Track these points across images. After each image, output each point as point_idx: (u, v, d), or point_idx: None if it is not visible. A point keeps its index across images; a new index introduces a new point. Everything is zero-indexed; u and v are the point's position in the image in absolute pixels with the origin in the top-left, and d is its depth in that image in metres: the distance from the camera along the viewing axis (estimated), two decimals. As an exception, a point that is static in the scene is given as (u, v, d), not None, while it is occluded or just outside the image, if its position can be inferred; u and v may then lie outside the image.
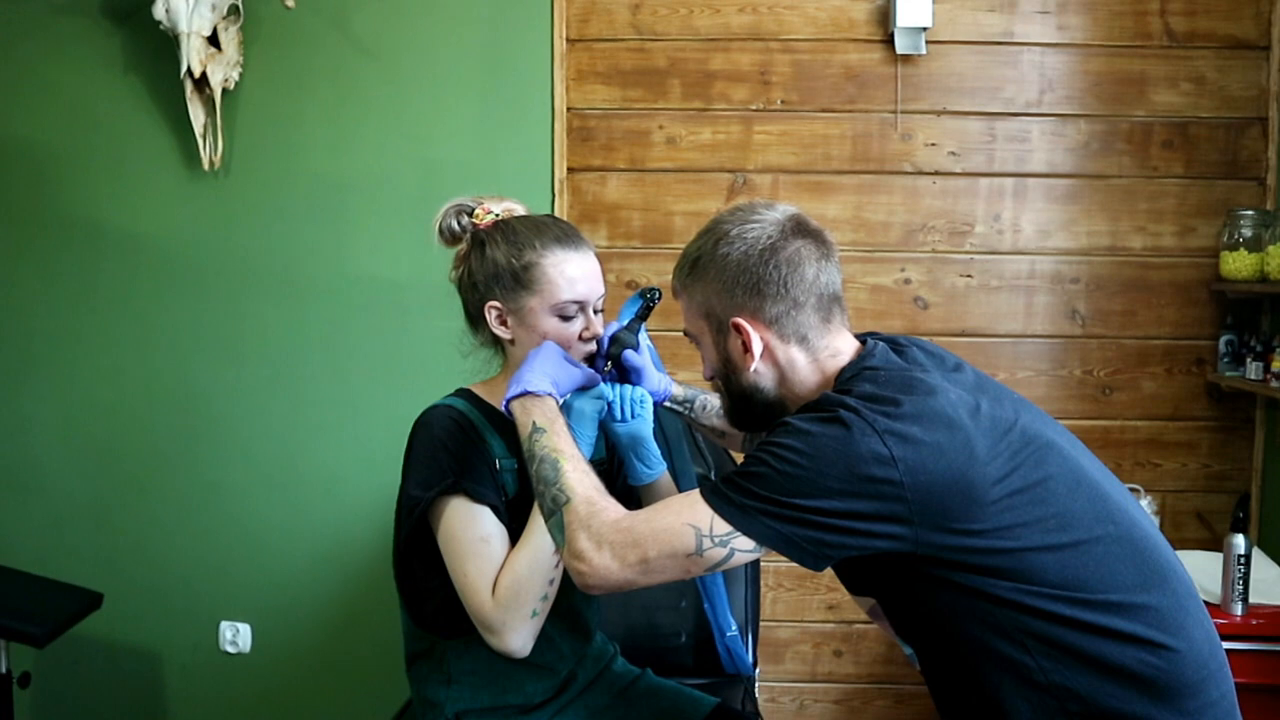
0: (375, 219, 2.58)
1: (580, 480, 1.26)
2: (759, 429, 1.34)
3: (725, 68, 2.54)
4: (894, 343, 1.31)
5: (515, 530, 1.46)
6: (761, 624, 2.17)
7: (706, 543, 1.16)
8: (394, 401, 2.55)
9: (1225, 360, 2.48)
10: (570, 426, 1.38)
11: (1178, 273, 2.53)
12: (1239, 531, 2.12)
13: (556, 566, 1.41)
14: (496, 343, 1.55)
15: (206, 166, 2.51)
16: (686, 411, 1.63)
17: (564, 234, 1.51)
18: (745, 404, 1.32)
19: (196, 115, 2.47)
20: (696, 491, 1.20)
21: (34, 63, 2.58)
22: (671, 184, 2.56)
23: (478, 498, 1.44)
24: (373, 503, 2.58)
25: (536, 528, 1.41)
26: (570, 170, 2.56)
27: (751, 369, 1.28)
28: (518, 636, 1.41)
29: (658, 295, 1.53)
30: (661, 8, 2.53)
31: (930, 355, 1.30)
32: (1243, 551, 2.12)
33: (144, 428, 2.64)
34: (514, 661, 1.49)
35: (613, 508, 1.23)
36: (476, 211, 1.54)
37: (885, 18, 2.49)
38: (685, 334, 1.36)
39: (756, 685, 2.10)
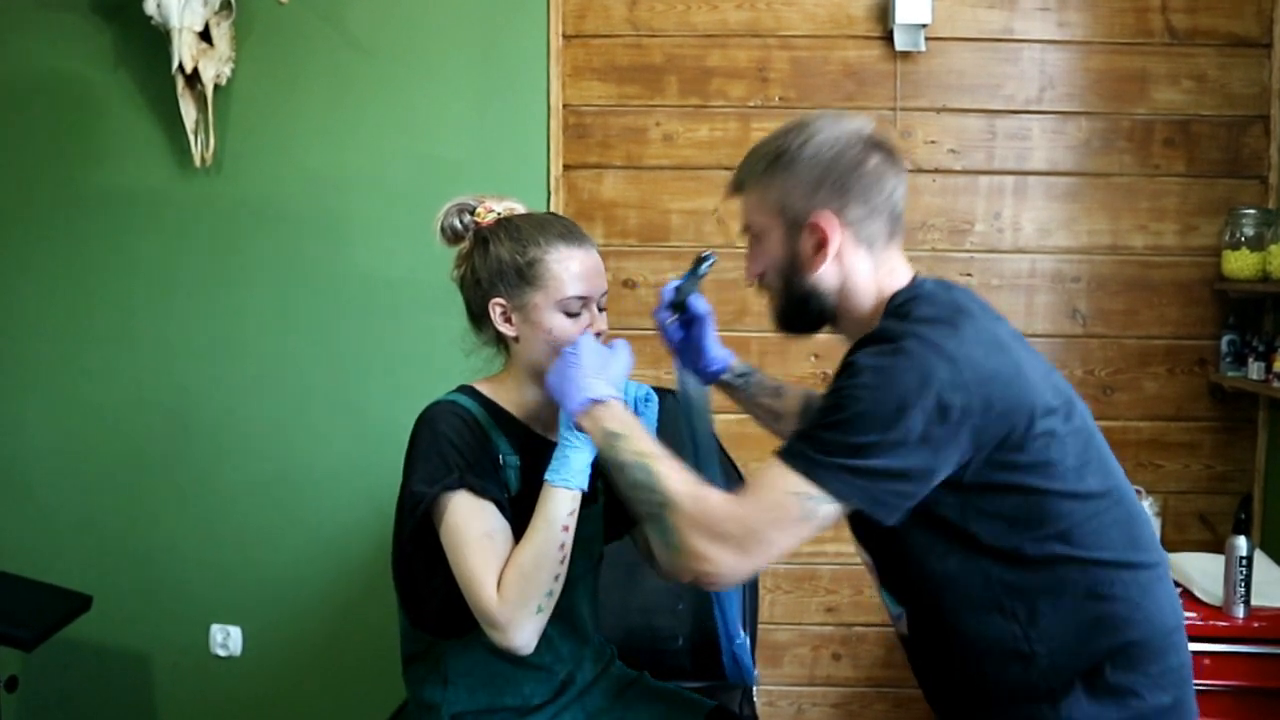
0: (369, 217, 2.55)
1: (677, 480, 1.24)
2: (802, 333, 1.36)
3: (723, 64, 2.52)
4: (942, 281, 1.33)
5: (518, 528, 1.45)
6: (760, 627, 2.15)
7: (811, 505, 1.17)
8: (388, 401, 2.53)
9: (1227, 360, 2.46)
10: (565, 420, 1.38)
11: (1179, 272, 2.51)
12: (1241, 533, 2.12)
13: (562, 562, 1.40)
14: (500, 340, 1.55)
15: (198, 163, 2.49)
16: (744, 386, 1.62)
17: (568, 231, 1.52)
18: (801, 306, 1.32)
19: (188, 112, 2.44)
20: (779, 461, 1.19)
21: (23, 58, 2.56)
22: (668, 181, 2.54)
23: (482, 493, 1.42)
24: (366, 504, 2.56)
25: (542, 523, 1.40)
26: (566, 167, 2.54)
27: (820, 269, 1.29)
28: (522, 633, 1.39)
29: (714, 259, 1.57)
30: (658, 3, 2.51)
31: (975, 300, 1.32)
32: (1244, 553, 2.11)
33: (134, 428, 2.62)
34: (512, 663, 1.49)
35: (714, 498, 1.21)
36: (478, 210, 1.55)
37: (884, 14, 2.47)
38: (744, 230, 1.36)
39: (755, 689, 2.08)
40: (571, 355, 1.40)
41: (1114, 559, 1.22)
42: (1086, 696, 1.21)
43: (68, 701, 2.67)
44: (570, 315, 1.48)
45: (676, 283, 1.57)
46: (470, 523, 1.41)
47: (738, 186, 1.36)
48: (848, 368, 1.19)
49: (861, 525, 1.28)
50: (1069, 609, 1.21)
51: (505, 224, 1.52)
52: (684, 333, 1.59)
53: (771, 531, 1.18)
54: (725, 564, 1.18)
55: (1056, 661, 1.22)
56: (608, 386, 1.36)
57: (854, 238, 1.28)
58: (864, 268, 1.30)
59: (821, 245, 1.28)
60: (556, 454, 1.42)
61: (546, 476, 1.41)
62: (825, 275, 1.29)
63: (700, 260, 1.58)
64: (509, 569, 1.39)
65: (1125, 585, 1.22)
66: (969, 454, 1.17)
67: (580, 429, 1.37)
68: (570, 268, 1.48)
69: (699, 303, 1.57)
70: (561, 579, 1.41)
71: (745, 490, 1.21)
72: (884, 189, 1.29)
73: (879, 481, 1.15)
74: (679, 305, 1.56)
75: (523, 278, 1.48)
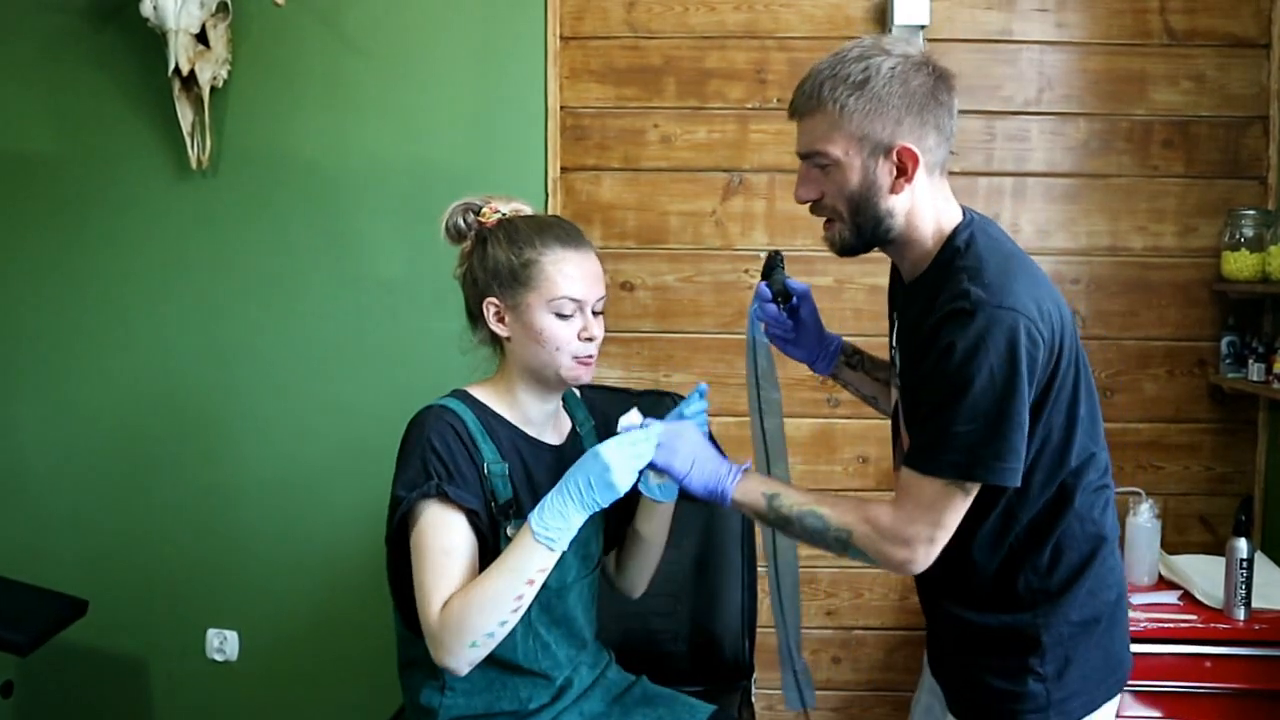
0: (366, 219, 2.55)
1: (842, 512, 1.36)
2: (857, 254, 1.41)
3: (721, 66, 2.51)
4: (983, 217, 1.41)
5: (500, 537, 1.45)
6: (759, 630, 2.14)
7: (968, 486, 1.29)
8: (385, 404, 2.51)
9: (1227, 361, 2.45)
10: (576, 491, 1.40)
11: (1179, 273, 2.51)
12: (1241, 535, 2.11)
13: (515, 611, 1.38)
14: (495, 341, 1.55)
15: (194, 166, 2.48)
16: (860, 362, 1.68)
17: (565, 234, 1.52)
18: (871, 231, 1.36)
19: (184, 114, 2.44)
20: (916, 472, 1.30)
21: (18, 60, 2.55)
22: (666, 184, 2.53)
23: (457, 502, 1.42)
24: (363, 508, 2.54)
25: (508, 568, 1.38)
26: (564, 169, 2.53)
27: (897, 196, 1.33)
28: (453, 659, 1.39)
29: (782, 254, 1.64)
30: (656, 5, 2.51)
31: (1008, 237, 1.42)
32: (1245, 555, 2.11)
33: (131, 431, 2.61)
34: (508, 667, 1.49)
35: (884, 515, 1.33)
36: (484, 210, 1.55)
37: (882, 15, 2.46)
38: (806, 155, 1.37)
39: (754, 692, 2.08)
40: (682, 447, 1.43)
41: (1096, 484, 1.39)
42: (1062, 601, 1.38)
43: (63, 707, 2.66)
44: (562, 317, 1.48)
45: (763, 283, 1.62)
46: (434, 535, 1.41)
47: (806, 112, 1.36)
48: (948, 350, 1.26)
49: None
50: (1060, 529, 1.37)
51: (505, 225, 1.53)
52: (793, 321, 1.64)
53: (945, 517, 1.30)
54: (919, 560, 1.32)
55: (1041, 571, 1.38)
56: (724, 460, 1.44)
57: (927, 166, 1.34)
58: (928, 197, 1.36)
59: (903, 173, 1.32)
60: (554, 502, 1.39)
61: (532, 522, 1.38)
62: (899, 201, 1.34)
63: (775, 258, 1.62)
64: (459, 597, 1.38)
65: (1094, 506, 1.38)
66: (1037, 394, 1.29)
67: (736, 503, 1.41)
68: (564, 269, 1.48)
69: (795, 284, 1.62)
70: (509, 625, 1.38)
71: (904, 495, 1.32)
72: (953, 116, 1.35)
73: (1007, 455, 1.26)
74: (782, 293, 1.60)
75: (516, 278, 1.49)
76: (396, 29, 2.51)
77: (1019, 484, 1.29)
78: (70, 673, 2.63)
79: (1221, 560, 2.16)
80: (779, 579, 1.72)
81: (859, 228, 1.36)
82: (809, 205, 1.40)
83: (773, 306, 1.62)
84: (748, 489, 1.41)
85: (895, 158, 1.31)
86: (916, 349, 1.35)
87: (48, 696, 2.64)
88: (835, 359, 1.68)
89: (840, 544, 1.36)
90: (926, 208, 1.36)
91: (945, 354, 1.27)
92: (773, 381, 1.69)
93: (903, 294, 1.47)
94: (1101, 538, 1.40)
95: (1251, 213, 2.39)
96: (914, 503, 1.31)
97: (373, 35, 2.51)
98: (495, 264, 1.50)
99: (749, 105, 2.52)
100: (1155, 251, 2.51)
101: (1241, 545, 2.10)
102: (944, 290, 1.31)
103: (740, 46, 2.51)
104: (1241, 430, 2.52)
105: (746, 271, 2.54)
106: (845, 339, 1.69)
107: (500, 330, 1.51)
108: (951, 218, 1.38)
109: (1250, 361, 2.37)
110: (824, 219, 1.40)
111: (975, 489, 1.30)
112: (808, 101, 1.35)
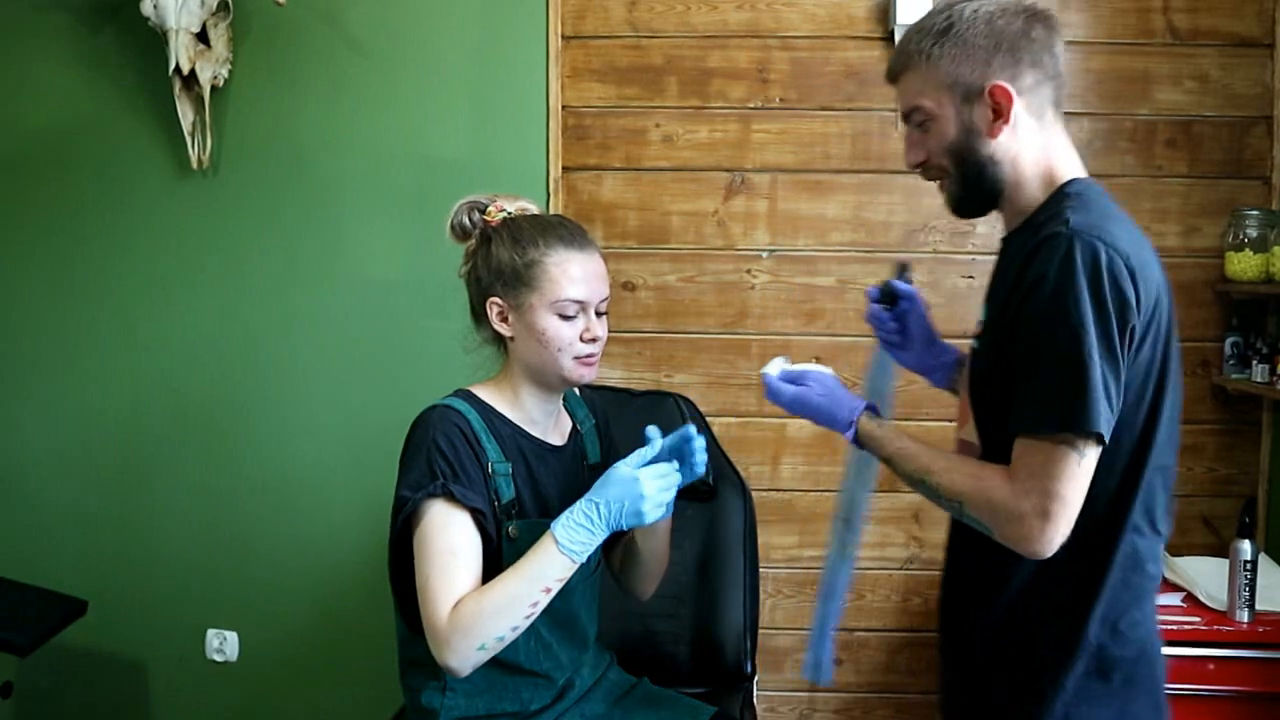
0: (367, 219, 2.54)
1: (954, 480, 1.28)
2: (976, 214, 1.37)
3: (723, 65, 2.50)
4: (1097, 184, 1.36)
5: (502, 537, 1.45)
6: (761, 631, 2.14)
7: (1080, 445, 1.20)
8: (386, 405, 2.52)
9: (1231, 362, 2.44)
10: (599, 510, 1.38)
11: (1182, 273, 2.49)
12: (1245, 537, 2.11)
13: (527, 618, 1.38)
14: (498, 341, 1.55)
15: (195, 165, 2.47)
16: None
17: (570, 234, 1.52)
18: (977, 181, 1.32)
19: (185, 113, 2.43)
20: (1019, 437, 1.23)
21: (18, 60, 2.55)
22: (668, 183, 2.53)
23: (462, 502, 1.42)
24: (363, 508, 2.54)
25: (525, 574, 1.38)
26: (565, 169, 2.53)
27: (998, 139, 1.30)
28: (457, 660, 1.38)
29: (911, 269, 1.62)
30: (658, 4, 2.50)
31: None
32: (1249, 557, 2.10)
33: (130, 431, 2.60)
34: (510, 669, 1.49)
35: (998, 484, 1.24)
36: (489, 209, 1.55)
37: (885, 14, 2.46)
38: (905, 115, 1.36)
39: (755, 694, 2.07)
40: (817, 389, 1.41)
41: (1146, 525, 1.30)
42: (1078, 639, 1.29)
43: (63, 708, 2.65)
44: (565, 318, 1.48)
45: (872, 286, 1.59)
46: (439, 535, 1.41)
47: (899, 71, 1.35)
48: (1036, 285, 1.20)
49: (990, 416, 1.32)
50: (1110, 552, 1.28)
51: (509, 224, 1.53)
52: (900, 325, 1.57)
53: (1058, 485, 1.20)
54: (1034, 534, 1.21)
55: (1070, 594, 1.29)
56: (854, 399, 1.40)
57: (1027, 105, 1.30)
58: (1035, 141, 1.31)
59: (999, 114, 1.29)
60: (582, 516, 1.39)
61: (557, 532, 1.38)
62: (1001, 146, 1.30)
63: (902, 265, 1.60)
64: (471, 600, 1.38)
65: (1146, 551, 1.30)
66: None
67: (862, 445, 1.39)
68: (568, 270, 1.48)
69: (902, 285, 1.56)
70: (519, 630, 1.39)
71: (1013, 466, 1.23)
72: (1054, 54, 1.31)
73: (1102, 395, 1.18)
74: (888, 295, 1.56)
75: (519, 279, 1.49)
76: (397, 28, 2.50)
77: (1107, 438, 1.20)
78: (70, 673, 2.63)
79: (1225, 562, 2.15)
80: (842, 562, 1.63)
81: (964, 178, 1.33)
82: (920, 170, 1.37)
83: (877, 306, 1.58)
84: (872, 445, 1.38)
85: (989, 98, 1.28)
86: (1005, 298, 1.28)
87: (47, 697, 2.64)
88: (951, 371, 1.58)
89: (956, 512, 1.29)
90: (1033, 151, 1.31)
91: (1033, 290, 1.21)
92: (889, 404, 1.60)
93: (1000, 251, 1.39)
94: (1145, 576, 1.29)
95: (1255, 213, 2.38)
96: (1023, 472, 1.21)
97: (374, 34, 2.51)
98: (499, 264, 1.50)
99: (751, 105, 2.51)
100: (1158, 251, 2.49)
101: (1245, 547, 2.09)
102: (1043, 229, 1.25)
103: (742, 46, 2.50)
104: (1245, 431, 2.51)
105: (748, 271, 2.53)
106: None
107: (503, 330, 1.52)
108: (1066, 167, 1.32)
109: (1254, 362, 2.36)
110: (936, 182, 1.38)
111: (1090, 448, 1.20)
112: (899, 59, 1.34)
